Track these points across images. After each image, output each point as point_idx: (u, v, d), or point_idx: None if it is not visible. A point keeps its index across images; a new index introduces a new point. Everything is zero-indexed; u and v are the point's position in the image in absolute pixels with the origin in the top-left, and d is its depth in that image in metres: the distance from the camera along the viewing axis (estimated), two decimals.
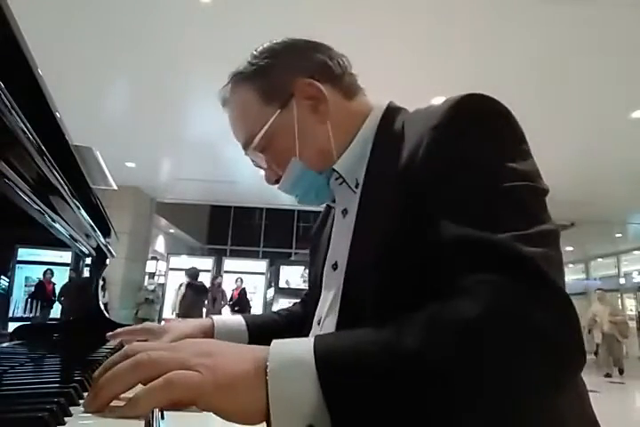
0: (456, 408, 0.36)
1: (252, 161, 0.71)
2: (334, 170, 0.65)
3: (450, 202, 0.48)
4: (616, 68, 4.32)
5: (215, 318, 0.80)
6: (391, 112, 0.65)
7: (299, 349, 0.38)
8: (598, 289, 8.68)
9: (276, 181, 0.70)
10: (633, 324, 12.87)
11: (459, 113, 0.52)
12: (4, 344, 0.79)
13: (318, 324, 0.65)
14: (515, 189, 0.47)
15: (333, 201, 0.72)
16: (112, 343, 1.00)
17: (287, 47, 0.68)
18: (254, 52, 0.69)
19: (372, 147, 0.63)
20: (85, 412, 0.39)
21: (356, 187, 0.63)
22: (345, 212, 0.65)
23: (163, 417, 0.44)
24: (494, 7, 3.64)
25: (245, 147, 0.68)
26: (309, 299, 0.76)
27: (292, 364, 0.37)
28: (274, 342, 0.40)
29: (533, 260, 0.41)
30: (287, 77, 0.64)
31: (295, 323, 0.85)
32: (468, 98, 0.53)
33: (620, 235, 11.75)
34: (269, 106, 0.64)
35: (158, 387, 0.35)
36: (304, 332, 0.70)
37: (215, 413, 0.37)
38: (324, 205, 0.83)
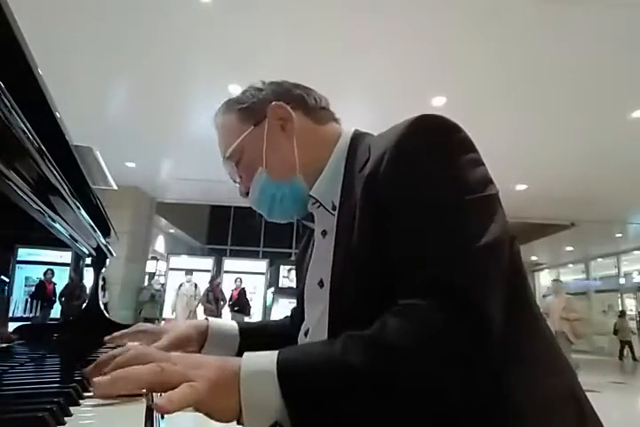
0: (379, 411, 0.46)
1: (229, 175, 0.79)
2: (311, 195, 0.71)
3: (399, 221, 0.55)
4: (616, 68, 4.32)
5: (211, 320, 0.84)
6: (357, 138, 0.72)
7: (264, 361, 0.47)
8: (554, 280, 7.52)
9: (247, 194, 0.77)
10: (633, 324, 12.89)
11: (412, 133, 0.58)
12: (4, 344, 0.79)
13: (305, 335, 0.71)
14: (460, 204, 0.53)
15: (307, 219, 0.78)
16: (112, 344, 1.00)
17: (272, 83, 0.78)
18: (247, 86, 0.79)
19: (344, 171, 0.69)
20: (94, 393, 0.44)
21: (334, 209, 0.68)
22: (324, 233, 0.71)
23: (163, 417, 0.44)
24: (494, 8, 3.65)
25: (223, 159, 0.77)
26: (296, 313, 0.82)
27: (258, 374, 0.46)
28: (245, 354, 0.49)
29: (453, 283, 0.49)
30: (263, 102, 0.74)
31: (285, 332, 0.89)
32: (420, 118, 0.60)
33: (620, 235, 11.75)
34: (245, 124, 0.74)
35: (188, 390, 0.42)
36: (293, 342, 0.75)
37: (204, 412, 0.45)
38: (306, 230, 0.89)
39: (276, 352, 0.48)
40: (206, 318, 0.84)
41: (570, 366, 0.60)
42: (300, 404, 0.45)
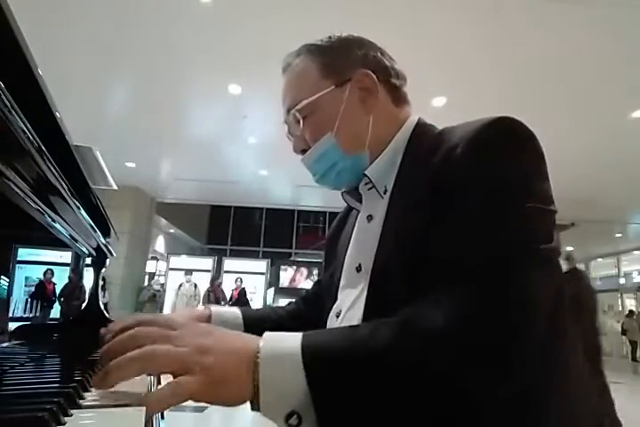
0: (410, 394, 0.43)
1: (286, 124, 0.74)
2: (365, 175, 0.68)
3: (458, 213, 0.53)
4: (616, 67, 4.32)
5: (213, 308, 0.82)
6: (421, 126, 0.70)
7: (288, 343, 0.44)
8: None
9: (302, 152, 0.73)
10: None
11: (491, 130, 0.56)
12: (4, 344, 0.79)
13: (337, 317, 0.69)
14: (526, 209, 0.52)
15: (351, 194, 0.75)
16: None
17: (361, 41, 0.73)
18: (330, 35, 0.74)
19: (402, 157, 0.67)
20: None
21: (384, 193, 0.67)
22: (370, 217, 0.69)
23: (163, 417, 0.44)
24: (494, 7, 3.65)
25: (289, 109, 0.71)
26: (321, 295, 0.80)
27: (281, 356, 0.43)
28: (266, 334, 0.45)
29: (492, 273, 0.48)
30: (351, 63, 0.70)
31: (292, 319, 0.88)
32: (501, 118, 0.57)
33: (619, 235, 11.75)
34: (325, 80, 0.69)
35: (177, 389, 0.39)
36: (306, 328, 0.72)
37: (205, 402, 0.41)
38: (342, 211, 0.88)
39: (299, 335, 0.45)
40: (208, 308, 0.81)
41: (594, 384, 0.61)
42: (327, 390, 0.42)
